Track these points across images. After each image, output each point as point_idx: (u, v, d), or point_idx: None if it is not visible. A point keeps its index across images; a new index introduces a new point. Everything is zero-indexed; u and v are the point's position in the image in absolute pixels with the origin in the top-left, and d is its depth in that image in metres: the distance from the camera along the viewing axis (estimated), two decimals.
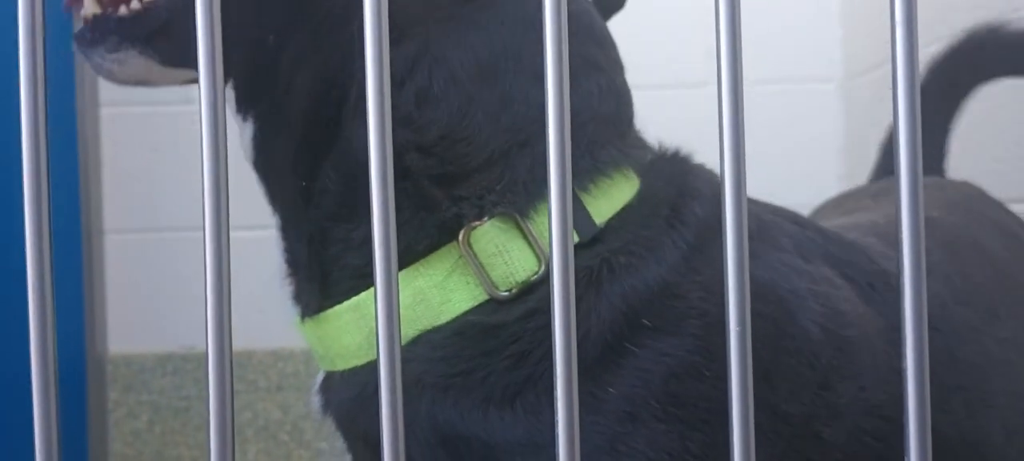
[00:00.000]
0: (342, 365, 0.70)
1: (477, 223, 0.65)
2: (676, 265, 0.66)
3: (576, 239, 0.65)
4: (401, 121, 0.65)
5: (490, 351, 0.63)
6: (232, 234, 0.41)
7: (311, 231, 0.70)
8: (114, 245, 2.06)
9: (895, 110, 0.39)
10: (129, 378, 2.03)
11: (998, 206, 1.07)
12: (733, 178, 0.37)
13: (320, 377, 0.76)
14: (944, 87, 1.22)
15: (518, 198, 0.66)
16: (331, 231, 0.68)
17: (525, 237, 0.65)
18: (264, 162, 0.74)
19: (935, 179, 1.12)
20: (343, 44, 0.68)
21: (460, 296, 0.65)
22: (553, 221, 0.37)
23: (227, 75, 0.70)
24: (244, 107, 0.74)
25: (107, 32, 0.76)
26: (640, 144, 0.76)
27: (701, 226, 0.69)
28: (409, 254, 0.65)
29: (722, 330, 0.61)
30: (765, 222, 0.74)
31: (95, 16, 0.77)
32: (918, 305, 0.37)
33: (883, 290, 0.74)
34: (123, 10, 0.76)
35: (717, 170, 0.38)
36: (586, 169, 0.68)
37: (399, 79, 0.66)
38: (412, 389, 0.64)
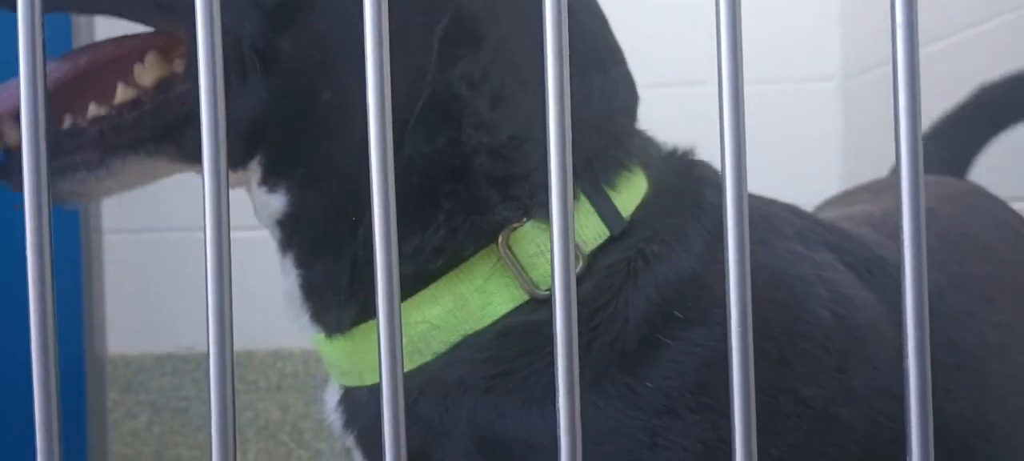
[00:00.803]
0: (372, 379, 0.69)
1: (517, 225, 0.66)
2: (701, 254, 0.67)
3: (607, 234, 0.66)
4: (476, 125, 0.66)
5: (531, 349, 0.64)
6: (232, 234, 0.41)
7: (356, 255, 0.68)
8: (113, 245, 2.05)
9: (896, 110, 0.39)
10: (128, 378, 2.03)
11: (998, 202, 1.08)
12: (734, 177, 0.37)
13: (335, 394, 0.75)
14: (979, 124, 1.24)
15: None
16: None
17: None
18: (300, 222, 0.71)
19: (935, 177, 1.12)
20: (412, 64, 0.66)
21: (500, 298, 0.65)
22: (554, 223, 0.37)
23: (255, 152, 0.69)
24: (279, 175, 0.70)
25: (84, 145, 0.69)
26: (648, 136, 0.77)
27: (719, 214, 0.69)
28: (455, 259, 0.66)
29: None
30: (766, 212, 0.74)
31: (65, 130, 0.70)
32: (919, 303, 0.37)
33: (881, 276, 0.75)
34: (110, 115, 0.70)
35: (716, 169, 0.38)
36: (613, 163, 0.69)
37: (476, 82, 0.66)
38: (455, 392, 0.65)
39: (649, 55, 2.11)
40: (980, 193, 1.09)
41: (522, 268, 0.65)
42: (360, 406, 0.71)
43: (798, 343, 0.66)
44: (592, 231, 0.66)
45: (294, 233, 0.71)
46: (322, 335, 0.72)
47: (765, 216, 0.74)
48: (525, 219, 0.66)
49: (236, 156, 0.69)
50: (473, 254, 0.66)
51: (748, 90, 0.39)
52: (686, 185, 0.72)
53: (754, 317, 0.65)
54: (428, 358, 0.66)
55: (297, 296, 0.73)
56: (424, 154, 0.66)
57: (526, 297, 0.65)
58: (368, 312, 0.68)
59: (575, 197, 0.67)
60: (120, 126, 0.69)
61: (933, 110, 1.62)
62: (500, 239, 0.65)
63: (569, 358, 0.36)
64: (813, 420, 0.64)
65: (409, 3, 0.65)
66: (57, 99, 0.70)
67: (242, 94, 0.66)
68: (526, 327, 0.64)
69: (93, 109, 0.70)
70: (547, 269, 0.65)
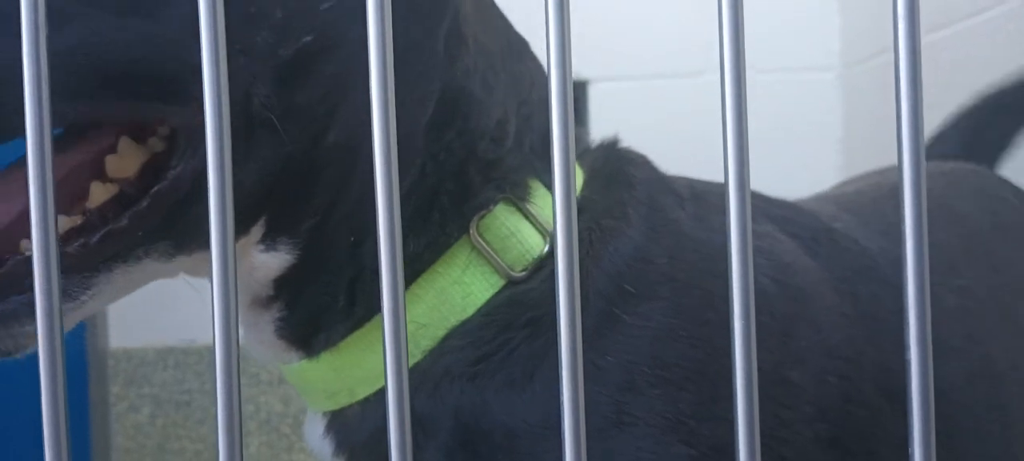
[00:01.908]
0: (365, 391, 0.68)
1: (485, 211, 0.66)
2: (642, 228, 0.69)
3: None
4: (480, 113, 0.67)
5: (509, 325, 0.65)
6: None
7: (353, 275, 0.66)
8: None
9: (897, 99, 0.39)
10: (130, 372, 2.03)
11: (994, 178, 1.08)
12: (736, 168, 0.37)
13: (319, 423, 0.72)
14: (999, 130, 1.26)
15: (518, 178, 0.68)
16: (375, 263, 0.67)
17: (527, 216, 0.67)
18: (300, 274, 0.66)
19: (934, 161, 1.13)
20: (420, 71, 0.65)
21: (479, 286, 0.66)
22: (557, 207, 0.37)
23: (261, 215, 0.62)
24: (284, 231, 0.64)
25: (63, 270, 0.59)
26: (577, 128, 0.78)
27: (650, 189, 0.72)
28: (435, 254, 0.66)
29: (688, 292, 0.65)
30: (699, 190, 0.76)
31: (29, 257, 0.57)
32: (921, 297, 0.37)
33: (827, 244, 0.76)
34: (90, 223, 0.59)
35: (718, 163, 0.39)
36: (548, 148, 0.70)
37: (471, 74, 0.67)
38: (444, 383, 0.65)
39: (650, 46, 2.12)
40: (977, 172, 1.09)
41: (495, 252, 0.66)
42: (354, 424, 0.69)
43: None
44: (551, 210, 0.66)
45: (287, 286, 0.67)
46: (298, 363, 0.70)
47: (697, 193, 0.75)
48: (493, 205, 0.67)
49: (242, 223, 0.63)
50: (445, 247, 0.66)
51: (748, 79, 0.39)
52: (613, 165, 0.73)
53: (698, 289, 0.67)
54: (419, 357, 0.66)
55: (270, 337, 0.69)
56: (434, 154, 0.66)
57: (503, 281, 0.66)
58: (357, 322, 0.67)
59: (531, 178, 0.69)
60: (111, 233, 0.59)
61: (934, 100, 1.62)
62: (471, 227, 0.66)
63: (573, 341, 0.36)
64: (764, 383, 0.65)
65: (411, 12, 0.64)
66: (15, 227, 0.59)
67: (250, 156, 0.60)
68: (504, 308, 0.65)
69: (64, 222, 0.58)
70: (521, 249, 0.66)
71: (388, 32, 0.36)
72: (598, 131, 2.40)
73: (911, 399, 0.36)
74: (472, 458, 0.64)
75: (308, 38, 0.60)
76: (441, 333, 0.66)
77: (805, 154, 2.01)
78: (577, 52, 0.43)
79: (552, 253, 0.63)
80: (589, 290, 0.65)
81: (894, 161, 0.40)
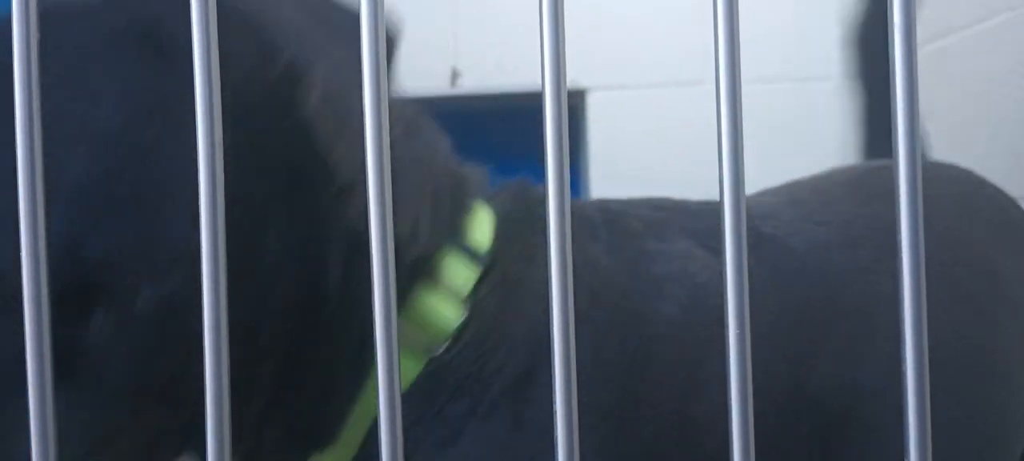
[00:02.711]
0: None
1: (406, 304, 0.67)
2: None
3: (477, 273, 0.68)
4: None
5: (434, 393, 0.66)
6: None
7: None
8: None
9: (893, 109, 0.38)
10: None
11: (958, 171, 1.07)
12: (731, 179, 0.37)
13: None
14: None
15: (429, 258, 0.69)
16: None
17: (441, 292, 0.68)
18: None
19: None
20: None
21: (409, 366, 0.67)
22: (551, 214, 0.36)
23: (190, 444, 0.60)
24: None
25: None
26: (473, 168, 0.80)
27: None
28: (365, 352, 0.66)
29: (606, 334, 0.64)
30: (613, 214, 0.76)
31: None
32: (917, 305, 0.37)
33: (755, 251, 0.75)
34: None
35: (716, 172, 0.38)
36: (460, 205, 0.72)
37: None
38: None
39: (648, 55, 2.13)
40: (941, 165, 1.08)
41: (418, 333, 0.67)
42: None
43: (651, 346, 0.68)
44: (463, 276, 0.68)
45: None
46: None
47: (611, 217, 0.75)
48: (412, 295, 0.67)
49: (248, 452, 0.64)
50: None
51: (746, 89, 0.39)
52: (523, 208, 0.74)
53: (616, 330, 0.66)
54: (363, 435, 0.67)
55: None
56: (351, 286, 0.65)
57: (426, 358, 0.67)
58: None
59: (440, 251, 0.69)
60: None
61: (933, 108, 1.62)
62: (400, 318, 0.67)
63: (566, 347, 0.35)
64: (668, 423, 0.67)
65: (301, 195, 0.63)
66: None
67: (251, 399, 0.61)
68: (429, 380, 0.66)
69: None
70: (440, 326, 0.67)
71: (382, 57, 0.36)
72: (596, 139, 2.40)
73: (907, 401, 0.35)
74: None
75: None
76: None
77: (803, 163, 2.01)
78: (575, 60, 0.43)
79: (468, 322, 0.66)
80: (509, 343, 0.66)
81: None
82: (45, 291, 0.33)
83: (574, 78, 1.99)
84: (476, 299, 0.68)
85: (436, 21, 2.10)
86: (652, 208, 0.79)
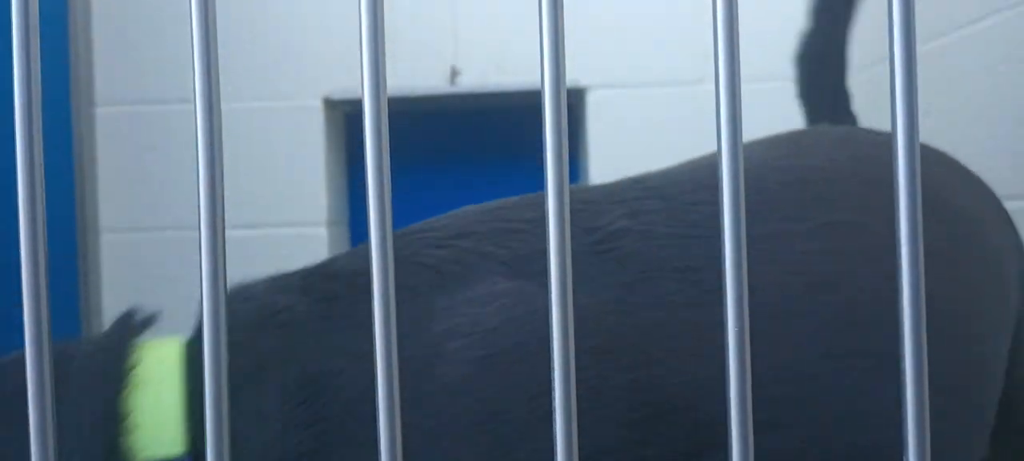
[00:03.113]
0: None
1: None
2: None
3: None
4: None
5: None
6: (228, 232, 0.41)
7: None
8: (109, 244, 2.05)
9: (892, 107, 0.38)
10: None
11: (871, 136, 0.99)
12: (730, 176, 0.37)
13: None
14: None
15: None
16: None
17: None
18: None
19: (812, 129, 1.07)
20: None
21: None
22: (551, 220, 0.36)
23: None
24: None
25: None
26: None
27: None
28: None
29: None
30: (401, 260, 0.72)
31: None
32: (916, 298, 0.37)
33: (591, 261, 0.72)
34: None
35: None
36: None
37: None
38: None
39: (648, 54, 2.12)
40: (843, 138, 0.98)
41: None
42: None
43: (438, 403, 0.65)
44: None
45: None
46: None
47: (401, 271, 0.71)
48: None
49: None
50: None
51: (745, 88, 0.39)
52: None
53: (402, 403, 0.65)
54: None
55: None
56: None
57: None
58: None
59: None
60: None
61: (932, 106, 1.62)
62: None
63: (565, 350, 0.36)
64: None
65: None
66: None
67: None
68: None
69: None
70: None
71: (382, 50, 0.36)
72: (595, 138, 2.40)
73: (905, 399, 0.36)
74: None
75: None
76: None
77: None
78: (574, 59, 0.43)
79: None
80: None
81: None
82: (45, 291, 0.33)
83: (573, 76, 1.99)
84: None
85: (435, 20, 2.10)
86: (451, 240, 0.74)
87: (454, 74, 2.12)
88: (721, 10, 0.38)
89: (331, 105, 2.14)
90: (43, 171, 0.34)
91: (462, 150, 2.28)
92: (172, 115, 2.05)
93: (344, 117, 2.25)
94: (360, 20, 0.36)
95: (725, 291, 0.36)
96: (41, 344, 0.34)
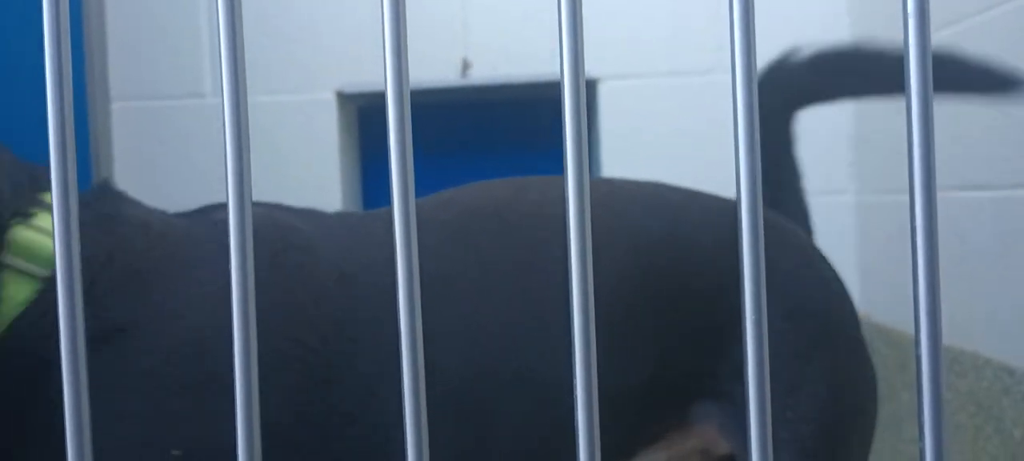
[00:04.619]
0: None
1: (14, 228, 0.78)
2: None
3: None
4: None
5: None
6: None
7: None
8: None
9: (908, 98, 0.39)
10: None
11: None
12: (748, 166, 0.37)
13: None
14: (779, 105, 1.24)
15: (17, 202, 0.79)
16: None
17: (42, 230, 0.79)
18: None
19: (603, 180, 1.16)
20: None
21: (16, 291, 0.76)
22: (570, 201, 0.37)
23: None
24: None
25: None
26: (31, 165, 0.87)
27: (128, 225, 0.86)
28: None
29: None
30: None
31: None
32: (932, 298, 0.37)
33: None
34: None
35: (728, 161, 0.39)
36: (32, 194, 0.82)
37: None
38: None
39: (660, 45, 2.12)
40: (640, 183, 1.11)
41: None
42: None
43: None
44: (46, 247, 0.78)
45: None
46: None
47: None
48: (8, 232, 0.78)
49: None
50: None
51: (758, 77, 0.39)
52: (94, 207, 0.85)
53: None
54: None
55: None
56: None
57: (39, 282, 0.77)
58: None
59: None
60: None
61: (937, 98, 1.61)
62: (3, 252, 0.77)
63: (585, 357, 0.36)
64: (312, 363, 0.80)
65: None
66: None
67: None
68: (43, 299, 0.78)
69: None
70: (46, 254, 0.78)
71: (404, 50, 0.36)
72: (608, 128, 2.39)
73: (922, 391, 0.36)
74: None
75: None
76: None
77: (817, 151, 2.01)
78: (588, 50, 0.43)
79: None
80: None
81: (900, 159, 0.40)
82: (78, 290, 0.33)
83: (586, 68, 1.99)
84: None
85: (447, 12, 2.10)
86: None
87: (465, 66, 2.12)
88: (737, 1, 0.39)
89: (344, 98, 2.15)
90: (76, 169, 0.34)
91: (474, 142, 2.28)
92: (189, 110, 2.06)
93: (357, 110, 2.26)
94: (382, 13, 0.37)
95: (743, 279, 0.36)
96: (75, 340, 0.35)
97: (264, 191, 0.80)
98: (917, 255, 0.37)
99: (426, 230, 0.90)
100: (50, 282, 0.77)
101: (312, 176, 2.09)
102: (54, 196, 0.34)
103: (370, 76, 2.08)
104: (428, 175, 2.17)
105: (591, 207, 0.38)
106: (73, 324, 0.34)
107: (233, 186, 0.35)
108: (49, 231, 0.78)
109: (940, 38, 1.63)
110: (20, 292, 0.76)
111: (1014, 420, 1.47)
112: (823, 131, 2.06)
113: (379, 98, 0.39)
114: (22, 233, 0.78)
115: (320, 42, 2.12)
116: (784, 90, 1.19)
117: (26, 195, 0.80)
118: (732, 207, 1.04)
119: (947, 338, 1.47)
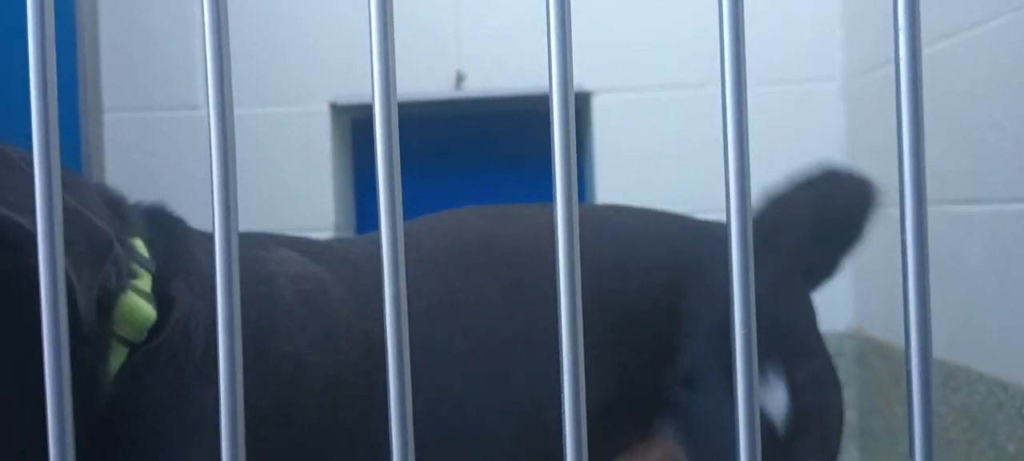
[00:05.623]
0: None
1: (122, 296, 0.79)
2: (198, 291, 0.85)
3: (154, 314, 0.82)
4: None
5: (139, 368, 0.79)
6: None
7: None
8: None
9: (898, 110, 0.39)
10: None
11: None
12: (737, 179, 0.37)
13: None
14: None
15: (125, 264, 0.80)
16: None
17: (140, 293, 0.81)
18: None
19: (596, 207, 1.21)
20: None
21: (115, 359, 0.79)
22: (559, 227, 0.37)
23: None
24: None
25: None
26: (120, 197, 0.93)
27: (203, 250, 0.89)
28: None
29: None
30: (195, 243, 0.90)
31: None
32: (922, 304, 0.37)
33: (327, 255, 0.96)
34: None
35: (720, 173, 0.39)
36: (127, 245, 0.84)
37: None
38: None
39: (653, 58, 2.13)
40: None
41: (124, 327, 0.80)
42: None
43: (275, 315, 0.87)
44: (144, 313, 0.81)
45: None
46: None
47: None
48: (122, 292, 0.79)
49: None
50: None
51: (750, 91, 0.39)
52: (171, 237, 0.89)
53: (247, 305, 0.73)
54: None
55: None
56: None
57: (127, 348, 0.80)
58: None
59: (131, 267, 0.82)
60: None
61: (937, 109, 1.62)
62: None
63: (573, 335, 0.36)
64: (293, 368, 0.85)
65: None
66: None
67: None
68: (134, 362, 0.81)
69: None
70: (138, 322, 0.81)
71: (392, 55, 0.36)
72: (602, 142, 2.40)
73: (912, 398, 0.36)
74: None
75: None
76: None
77: (808, 164, 2.02)
78: (580, 63, 0.43)
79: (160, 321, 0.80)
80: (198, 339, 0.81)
81: (892, 170, 0.40)
82: (62, 296, 0.33)
83: (579, 81, 2.00)
84: (175, 316, 0.81)
85: (441, 24, 2.10)
86: (260, 239, 0.97)
87: (459, 78, 2.12)
88: (727, 13, 0.39)
89: (337, 110, 2.15)
90: (60, 175, 0.34)
91: (467, 154, 2.29)
92: (180, 121, 2.06)
93: (350, 122, 2.25)
94: (370, 25, 0.37)
95: (733, 292, 0.36)
96: (59, 350, 0.34)
97: (258, 202, 0.80)
98: (907, 268, 0.37)
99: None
100: (133, 348, 0.80)
101: (305, 187, 2.09)
102: (38, 206, 0.34)
103: (363, 88, 2.07)
104: (422, 187, 2.17)
105: (546, 237, 0.38)
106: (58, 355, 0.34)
107: (218, 193, 0.34)
108: (146, 292, 0.82)
109: (934, 52, 1.63)
110: (117, 361, 0.79)
111: (1008, 435, 1.47)
112: (815, 143, 2.06)
113: (372, 110, 0.39)
114: (126, 301, 0.80)
115: (314, 54, 2.12)
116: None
117: (125, 252, 0.82)
118: (682, 222, 1.11)
119: (941, 353, 1.49)
